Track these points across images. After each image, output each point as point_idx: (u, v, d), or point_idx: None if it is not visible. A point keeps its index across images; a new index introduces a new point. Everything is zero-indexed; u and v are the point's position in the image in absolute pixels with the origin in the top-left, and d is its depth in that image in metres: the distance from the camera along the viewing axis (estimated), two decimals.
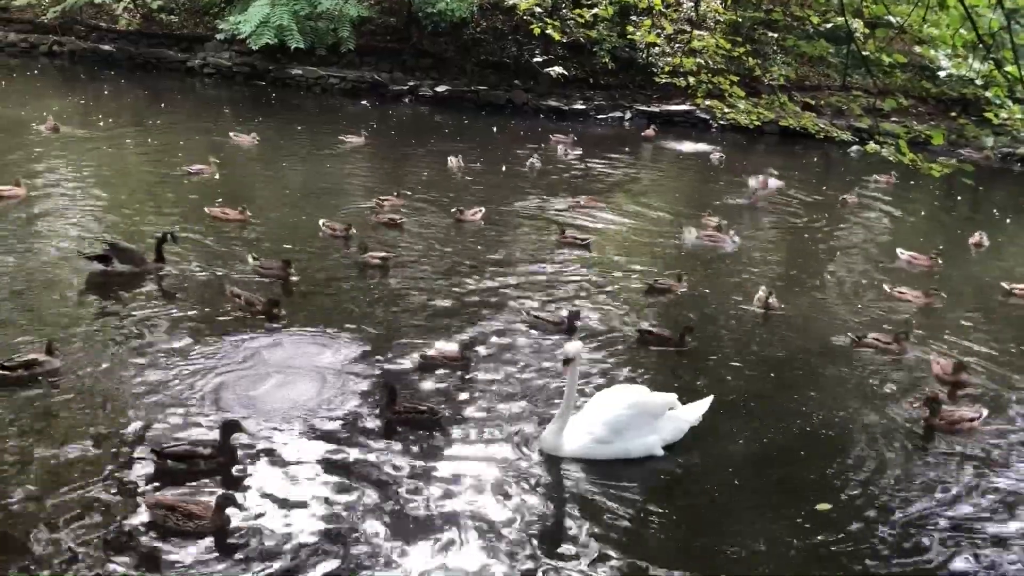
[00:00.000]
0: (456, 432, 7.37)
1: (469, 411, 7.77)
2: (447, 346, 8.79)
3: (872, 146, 8.88)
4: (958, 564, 6.17)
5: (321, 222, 12.59)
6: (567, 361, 7.13)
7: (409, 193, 15.41)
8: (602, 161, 20.31)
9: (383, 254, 11.49)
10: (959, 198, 20.19)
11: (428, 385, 8.21)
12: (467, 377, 8.41)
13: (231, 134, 18.59)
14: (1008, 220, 17.91)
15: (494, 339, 9.33)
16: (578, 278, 11.69)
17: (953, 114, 12.44)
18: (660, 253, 13.38)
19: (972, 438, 7.94)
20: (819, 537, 6.36)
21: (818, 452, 7.60)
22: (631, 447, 7.23)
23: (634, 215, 15.51)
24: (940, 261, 13.45)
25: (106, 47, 28.78)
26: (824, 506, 6.70)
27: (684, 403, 7.77)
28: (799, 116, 9.94)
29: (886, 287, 11.90)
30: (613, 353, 9.32)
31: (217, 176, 15.46)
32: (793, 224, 15.94)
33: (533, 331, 9.59)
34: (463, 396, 8.04)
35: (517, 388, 8.24)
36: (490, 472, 6.79)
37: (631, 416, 7.23)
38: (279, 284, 10.45)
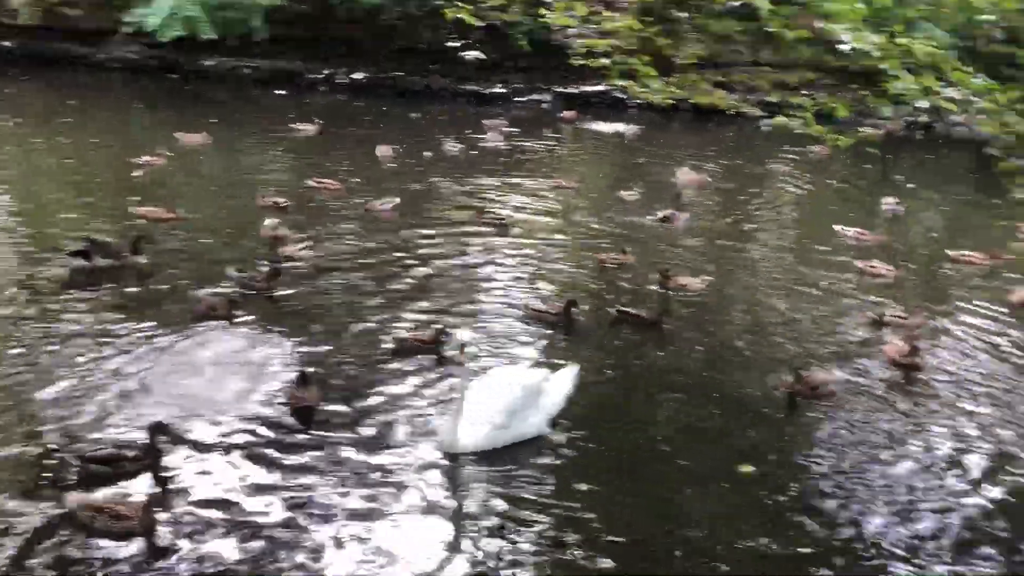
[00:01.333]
0: (389, 428, 7.33)
1: (408, 403, 7.74)
2: (421, 331, 8.82)
3: (780, 119, 9.14)
4: (877, 522, 6.48)
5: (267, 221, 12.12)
6: (461, 348, 7.06)
7: (360, 181, 15.27)
8: (524, 143, 20.43)
9: (302, 245, 11.30)
10: (867, 167, 20.85)
11: (367, 376, 8.19)
12: (425, 366, 8.39)
13: (176, 135, 17.67)
14: (912, 186, 18.60)
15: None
16: (514, 261, 11.86)
17: (855, 86, 12.93)
18: (588, 231, 13.56)
19: (835, 402, 8.21)
20: (744, 498, 6.62)
21: (742, 421, 7.87)
22: (525, 429, 7.21)
23: (557, 194, 15.65)
24: (889, 236, 13.79)
25: (6, 43, 27.60)
26: (747, 468, 6.96)
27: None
28: (709, 93, 10.15)
29: (857, 263, 12.15)
30: (551, 332, 9.50)
31: (140, 175, 15.00)
32: (718, 200, 16.30)
33: (518, 323, 9.68)
34: (401, 388, 8.02)
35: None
36: (417, 473, 6.71)
37: (524, 398, 7.21)
38: (262, 294, 9.99)
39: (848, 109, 8.65)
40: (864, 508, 6.61)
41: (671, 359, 9.15)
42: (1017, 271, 12.22)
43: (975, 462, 7.31)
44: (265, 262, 10.77)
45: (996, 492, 6.90)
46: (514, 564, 5.79)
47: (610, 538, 6.07)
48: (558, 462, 7.03)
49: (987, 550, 6.23)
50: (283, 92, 25.57)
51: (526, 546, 5.96)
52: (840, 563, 6.00)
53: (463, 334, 7.23)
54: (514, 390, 7.23)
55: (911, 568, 5.96)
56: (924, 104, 7.67)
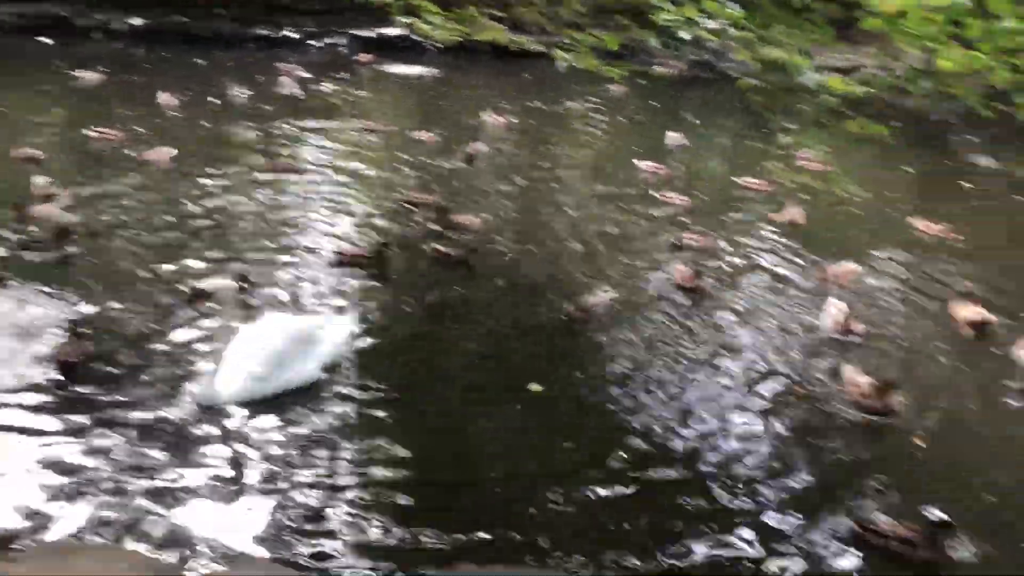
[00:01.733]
0: (166, 382, 7.00)
1: (192, 356, 7.43)
2: (218, 281, 8.40)
3: (559, 54, 9.42)
4: (685, 438, 6.83)
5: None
6: (233, 296, 6.92)
7: (142, 130, 14.39)
8: (319, 88, 19.90)
9: (66, 203, 10.53)
10: (656, 104, 21.80)
11: (150, 330, 7.82)
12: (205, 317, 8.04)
13: None
14: (696, 121, 19.64)
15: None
16: (313, 205, 11.68)
17: (626, 21, 13.51)
18: (389, 174, 13.44)
19: (604, 320, 8.70)
20: (533, 412, 6.97)
21: (533, 346, 8.19)
22: (292, 378, 6.88)
23: (355, 138, 15.41)
24: (679, 168, 14.53)
25: None
26: (536, 387, 7.25)
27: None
28: (489, 29, 10.29)
29: (654, 193, 12.74)
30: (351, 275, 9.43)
31: None
32: (520, 139, 16.56)
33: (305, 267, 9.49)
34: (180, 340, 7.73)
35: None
36: (189, 429, 6.44)
37: (287, 346, 6.93)
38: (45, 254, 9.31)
39: (617, 43, 9.04)
40: (655, 421, 7.01)
41: (473, 293, 9.28)
42: (788, 193, 13.24)
43: (757, 376, 7.82)
44: (22, 223, 10.01)
45: (782, 408, 7.35)
46: (301, 507, 5.80)
47: (402, 461, 6.20)
48: (344, 404, 6.92)
49: (790, 465, 6.54)
50: (50, 41, 23.49)
51: (310, 493, 5.88)
52: (626, 466, 6.40)
53: (220, 281, 6.93)
54: (276, 339, 6.95)
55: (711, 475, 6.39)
56: (686, 36, 8.10)
